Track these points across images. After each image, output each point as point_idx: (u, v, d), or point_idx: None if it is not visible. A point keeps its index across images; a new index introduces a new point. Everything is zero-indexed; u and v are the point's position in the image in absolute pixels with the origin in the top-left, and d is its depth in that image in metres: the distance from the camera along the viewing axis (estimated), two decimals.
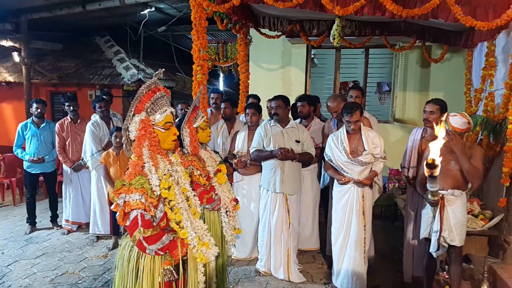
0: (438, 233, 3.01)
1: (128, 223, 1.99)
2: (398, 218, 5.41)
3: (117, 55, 8.55)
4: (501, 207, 3.55)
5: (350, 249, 3.54)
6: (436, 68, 6.07)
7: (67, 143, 5.11)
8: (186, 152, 2.97)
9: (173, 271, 2.07)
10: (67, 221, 5.21)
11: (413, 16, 3.57)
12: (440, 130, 2.53)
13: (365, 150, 3.46)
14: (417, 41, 5.39)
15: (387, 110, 6.79)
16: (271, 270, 3.92)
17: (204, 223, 2.34)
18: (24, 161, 5.16)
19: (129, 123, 2.06)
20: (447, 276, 3.57)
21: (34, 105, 5.14)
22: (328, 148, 3.61)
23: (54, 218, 5.39)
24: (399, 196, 4.94)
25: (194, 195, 2.30)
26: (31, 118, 5.21)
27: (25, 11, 7.26)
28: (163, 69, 2.18)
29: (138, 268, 2.07)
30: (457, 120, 2.95)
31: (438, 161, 2.42)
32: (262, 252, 3.96)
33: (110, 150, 4.48)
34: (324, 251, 4.34)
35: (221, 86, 9.53)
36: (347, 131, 3.53)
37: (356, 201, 3.49)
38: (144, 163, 2.03)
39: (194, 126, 3.02)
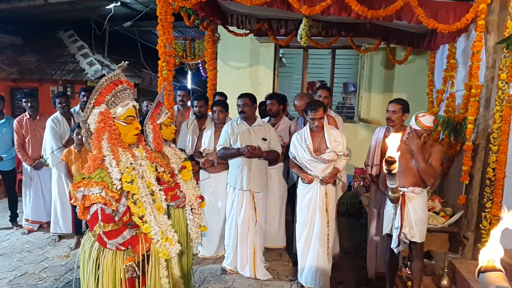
0: (399, 229, 3.08)
1: (88, 217, 1.95)
2: (363, 216, 5.52)
3: (81, 50, 8.28)
4: (461, 204, 3.69)
5: (313, 245, 3.58)
6: (400, 69, 6.25)
7: (26, 140, 4.91)
8: (149, 148, 2.90)
9: (136, 268, 2.03)
10: (27, 220, 5.02)
11: (378, 17, 3.66)
12: (395, 135, 2.59)
13: (327, 148, 3.51)
14: (382, 43, 5.54)
15: (352, 110, 6.92)
16: (238, 268, 3.91)
17: (169, 220, 2.30)
18: None
19: (88, 115, 2.00)
20: (409, 272, 3.66)
21: None
22: (293, 146, 3.64)
23: (13, 218, 5.18)
24: (363, 194, 5.05)
25: (160, 189, 2.27)
26: None
27: None
28: (127, 62, 2.11)
29: (98, 265, 2.02)
30: (428, 120, 3.03)
31: (396, 157, 2.47)
32: (229, 250, 3.95)
33: (72, 147, 4.34)
34: (291, 248, 4.37)
35: (189, 83, 9.43)
36: (310, 129, 3.58)
37: (320, 198, 3.54)
38: (104, 156, 1.97)
39: (158, 122, 2.96)
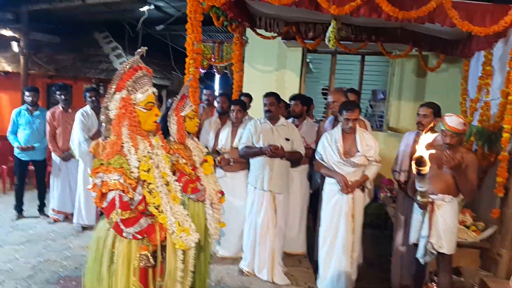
0: (426, 238, 2.94)
1: (105, 204, 1.92)
2: (388, 227, 5.34)
3: (115, 50, 8.56)
4: (494, 218, 3.49)
5: (337, 253, 3.46)
6: (432, 77, 6.06)
7: (57, 132, 5.06)
8: (172, 140, 2.92)
9: (150, 257, 2.00)
10: (53, 210, 5.15)
11: (410, 19, 3.55)
12: (426, 134, 2.50)
13: (358, 151, 3.40)
14: (413, 49, 5.40)
15: (380, 118, 6.77)
16: (255, 270, 3.84)
17: (187, 214, 2.27)
18: (15, 148, 5.11)
19: (109, 102, 1.99)
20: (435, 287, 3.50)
21: (26, 93, 5.12)
22: (321, 146, 3.54)
23: (41, 208, 5.33)
24: (390, 205, 4.87)
25: (175, 180, 2.23)
26: (25, 105, 5.17)
27: (25, 1, 7.25)
28: (146, 48, 2.10)
29: (113, 252, 1.99)
30: (453, 120, 2.90)
31: (426, 157, 2.37)
32: (247, 252, 3.89)
33: (100, 139, 4.41)
34: (311, 256, 4.27)
35: (216, 88, 9.53)
36: (342, 130, 3.47)
37: (346, 203, 3.41)
38: (123, 142, 1.96)
39: (182, 114, 2.97)
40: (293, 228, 4.27)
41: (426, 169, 2.44)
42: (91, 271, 2.07)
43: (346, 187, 3.37)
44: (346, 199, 3.40)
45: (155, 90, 2.12)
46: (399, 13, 3.46)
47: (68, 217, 5.19)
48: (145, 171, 1.98)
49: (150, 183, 2.00)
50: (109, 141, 1.97)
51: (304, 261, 4.32)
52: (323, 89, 4.42)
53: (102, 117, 2.04)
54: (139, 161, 1.97)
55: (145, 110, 2.04)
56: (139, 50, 2.08)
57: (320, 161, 3.55)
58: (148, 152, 2.05)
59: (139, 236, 1.96)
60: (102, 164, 1.91)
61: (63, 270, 3.78)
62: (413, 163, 2.46)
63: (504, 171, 3.37)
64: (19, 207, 5.22)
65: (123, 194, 1.90)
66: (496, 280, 3.34)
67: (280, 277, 3.77)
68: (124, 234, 1.94)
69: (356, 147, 3.41)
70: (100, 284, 2.01)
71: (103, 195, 1.92)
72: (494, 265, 3.49)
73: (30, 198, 5.59)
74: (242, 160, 4.03)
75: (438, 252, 2.96)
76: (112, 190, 1.88)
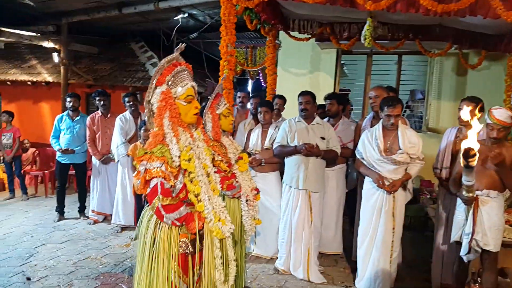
0: (470, 235, 2.82)
1: (148, 190, 2.01)
2: (428, 229, 5.15)
3: (150, 59, 8.80)
4: None
5: (376, 251, 3.37)
6: (473, 76, 5.84)
7: (97, 136, 5.24)
8: (208, 138, 2.94)
9: (189, 244, 2.06)
10: (93, 211, 5.31)
11: (449, 13, 3.42)
12: (475, 121, 2.39)
13: (400, 148, 3.29)
14: (453, 47, 5.22)
15: (419, 119, 6.57)
16: (290, 269, 3.79)
17: (225, 206, 2.29)
18: (57, 152, 5.33)
19: (151, 96, 2.08)
20: None
21: (68, 99, 5.35)
22: (361, 144, 3.47)
23: (82, 209, 5.51)
24: (430, 206, 4.71)
25: (215, 171, 2.29)
26: (67, 111, 5.39)
27: (65, 14, 7.63)
28: (184, 44, 2.18)
29: (155, 238, 2.08)
30: (501, 113, 2.80)
31: (476, 149, 2.26)
32: (282, 250, 3.85)
33: (138, 142, 4.51)
34: (349, 256, 4.19)
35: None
36: (383, 127, 3.38)
37: (386, 201, 3.31)
38: (165, 133, 2.03)
39: (217, 112, 3.00)
40: (329, 228, 4.20)
41: (475, 162, 2.33)
42: (137, 256, 2.17)
43: (383, 186, 3.27)
44: (387, 197, 3.31)
45: (194, 84, 2.19)
46: (438, 6, 3.34)
47: (107, 218, 5.33)
48: (186, 160, 2.04)
49: (191, 172, 2.07)
50: (152, 132, 2.05)
51: (340, 261, 4.24)
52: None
53: (146, 111, 2.12)
54: (180, 151, 2.03)
55: (185, 103, 2.12)
56: (177, 47, 2.15)
57: (360, 159, 3.47)
58: (189, 143, 2.12)
59: (178, 223, 2.03)
60: (146, 152, 1.99)
61: (103, 266, 3.89)
62: (461, 155, 2.36)
63: None
64: (60, 209, 5.41)
65: (165, 182, 1.98)
66: None
67: (316, 275, 3.71)
68: (164, 220, 2.02)
69: (398, 144, 3.30)
70: (143, 268, 2.09)
71: (146, 182, 2.00)
72: None
73: (71, 201, 5.83)
74: (273, 161, 4.02)
75: (483, 250, 2.84)
76: (155, 177, 1.96)
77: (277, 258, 3.95)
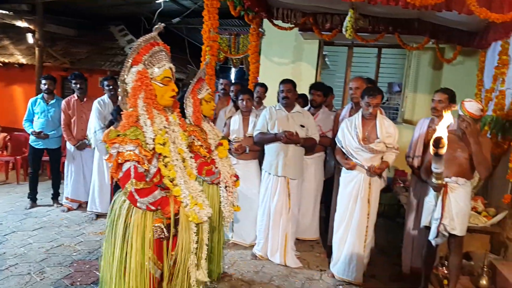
0: (439, 220, 2.94)
1: (120, 174, 1.95)
2: (400, 216, 5.34)
3: (130, 43, 8.61)
4: (505, 204, 3.48)
5: (351, 236, 3.49)
6: (448, 70, 6.01)
7: (72, 120, 5.10)
8: (188, 122, 2.94)
9: (164, 229, 2.01)
10: (67, 198, 5.20)
11: (426, 6, 3.51)
12: (447, 114, 2.49)
13: (377, 138, 3.39)
14: (430, 42, 5.35)
15: (395, 111, 6.73)
16: (268, 254, 3.86)
17: (202, 190, 2.28)
18: (30, 136, 5.17)
19: (126, 75, 2.02)
20: (446, 272, 3.49)
21: (43, 81, 5.17)
22: (341, 132, 3.56)
23: (55, 196, 5.38)
24: (402, 194, 4.87)
25: (191, 156, 2.25)
26: (41, 94, 5.23)
27: None
28: (163, 24, 2.14)
29: (128, 224, 2.02)
30: (472, 105, 2.89)
31: (445, 138, 2.36)
32: (260, 236, 3.91)
33: (112, 127, 4.46)
34: (324, 242, 4.29)
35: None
36: (363, 116, 3.47)
37: (362, 188, 3.43)
38: (139, 115, 1.98)
39: (198, 97, 3.00)
40: (306, 215, 4.28)
41: (443, 150, 2.43)
42: (107, 242, 2.11)
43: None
44: (363, 184, 3.42)
45: (172, 65, 2.14)
46: (417, 0, 3.44)
47: (81, 206, 5.24)
48: (160, 144, 2.00)
49: (165, 157, 2.02)
50: (125, 113, 1.99)
51: (316, 246, 4.35)
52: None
53: (120, 90, 2.06)
54: (155, 134, 1.99)
55: (161, 85, 2.07)
56: (156, 26, 2.10)
57: (340, 147, 3.55)
58: (164, 127, 2.07)
59: (153, 207, 1.98)
60: (118, 135, 1.93)
61: (77, 254, 3.82)
62: (431, 144, 2.46)
63: None
64: (33, 196, 5.26)
65: (138, 165, 1.93)
66: (505, 262, 3.34)
67: (293, 260, 3.80)
68: (138, 204, 1.97)
69: (376, 134, 3.40)
70: (115, 255, 2.04)
71: (119, 166, 1.94)
72: (504, 249, 3.50)
73: (44, 188, 5.67)
74: (255, 149, 4.05)
75: (450, 234, 2.96)
76: (128, 160, 1.91)
77: (255, 245, 4.01)
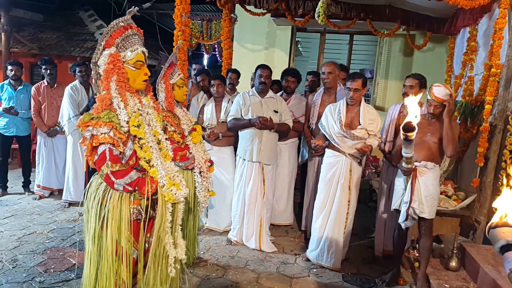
0: (408, 203, 3.02)
1: (96, 157, 1.95)
2: (372, 200, 5.46)
3: (100, 29, 8.43)
4: (474, 187, 3.61)
5: (330, 223, 3.49)
6: (419, 57, 6.16)
7: (42, 107, 4.97)
8: (161, 108, 2.90)
9: (141, 210, 2.04)
10: (38, 186, 5.09)
11: None
12: (412, 98, 2.55)
13: (360, 124, 3.42)
14: (401, 28, 5.44)
15: (367, 97, 6.85)
16: (243, 239, 3.89)
17: (178, 170, 2.28)
18: None
19: (98, 57, 2.00)
20: (417, 254, 3.61)
21: (9, 67, 5.01)
22: (324, 117, 3.56)
23: (26, 184, 5.27)
24: (374, 179, 4.99)
25: (166, 138, 2.25)
26: (8, 79, 5.06)
27: None
28: (137, 8, 2.11)
29: (104, 205, 2.03)
30: (440, 90, 2.95)
31: (415, 123, 2.42)
32: (235, 222, 3.93)
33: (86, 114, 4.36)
34: (299, 226, 4.36)
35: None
36: (347, 103, 3.49)
37: (343, 175, 3.44)
38: (112, 98, 1.96)
39: (170, 82, 2.97)
40: (281, 200, 4.32)
41: (413, 135, 2.50)
42: (85, 226, 2.11)
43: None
44: (344, 171, 3.43)
45: (145, 49, 2.12)
46: None
47: (53, 193, 5.16)
48: (135, 126, 1.99)
49: (140, 139, 2.02)
50: (98, 96, 1.97)
51: (291, 231, 4.41)
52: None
53: (92, 72, 2.03)
54: (129, 116, 1.98)
55: (134, 69, 2.06)
56: (130, 9, 2.07)
57: (323, 131, 3.56)
58: (138, 109, 2.06)
59: (130, 188, 1.99)
60: (92, 118, 1.92)
61: (50, 241, 3.76)
62: (401, 128, 2.52)
63: (485, 141, 3.49)
64: (3, 184, 5.14)
65: (113, 148, 1.93)
66: (473, 245, 3.49)
67: (268, 245, 3.84)
68: (115, 186, 1.97)
69: (359, 120, 3.42)
70: (93, 236, 2.05)
71: (93, 149, 1.94)
72: (472, 232, 3.65)
73: (15, 177, 5.55)
74: (229, 134, 4.05)
75: (420, 218, 3.05)
76: (102, 143, 1.91)
77: (230, 230, 4.04)
